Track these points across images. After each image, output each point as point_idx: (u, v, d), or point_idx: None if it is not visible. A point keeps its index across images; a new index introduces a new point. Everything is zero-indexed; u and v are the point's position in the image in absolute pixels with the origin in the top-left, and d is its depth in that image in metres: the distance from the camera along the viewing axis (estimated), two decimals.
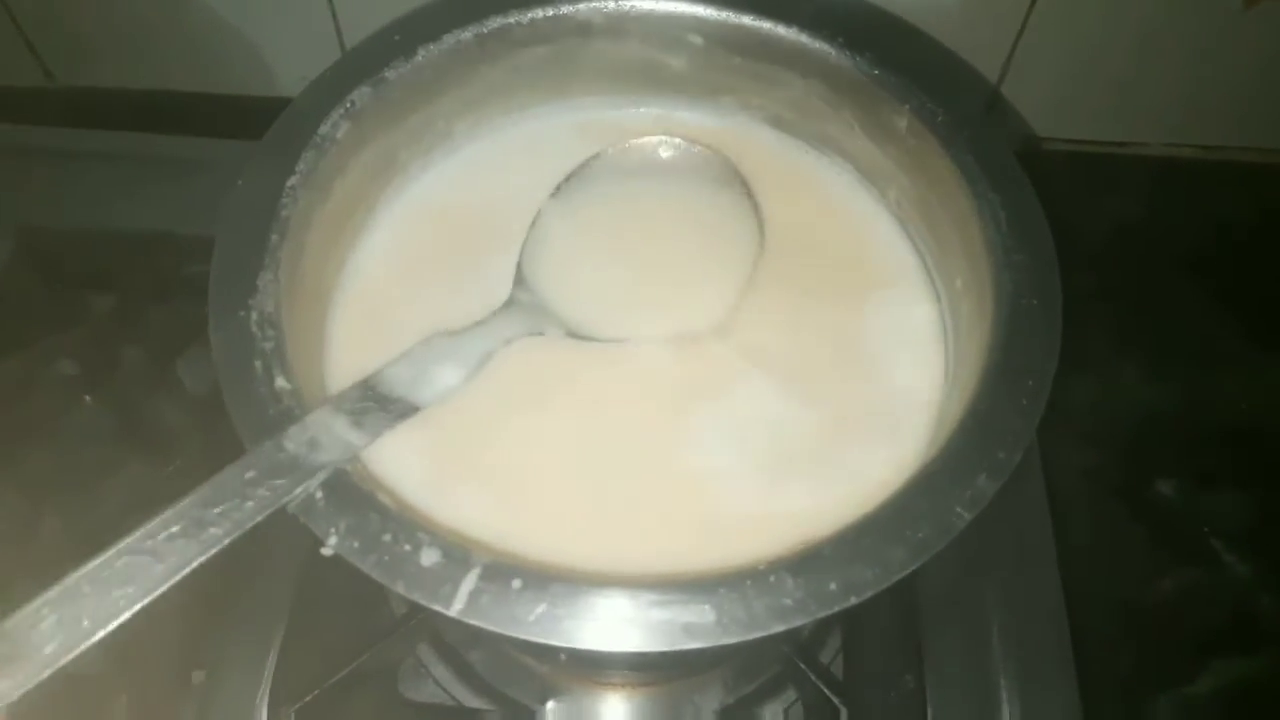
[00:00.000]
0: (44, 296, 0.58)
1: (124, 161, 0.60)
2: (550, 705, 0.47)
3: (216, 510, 0.31)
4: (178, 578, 0.30)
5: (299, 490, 0.31)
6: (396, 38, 0.41)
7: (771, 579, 0.30)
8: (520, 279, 0.42)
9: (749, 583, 0.30)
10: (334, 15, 0.60)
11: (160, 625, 0.47)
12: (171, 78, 0.67)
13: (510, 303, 0.41)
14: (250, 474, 0.31)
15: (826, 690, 0.43)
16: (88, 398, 0.54)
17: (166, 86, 0.67)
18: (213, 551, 0.30)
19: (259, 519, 0.31)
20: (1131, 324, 0.61)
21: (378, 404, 0.35)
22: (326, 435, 0.33)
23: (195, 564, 0.30)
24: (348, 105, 0.40)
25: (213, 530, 0.30)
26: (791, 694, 0.48)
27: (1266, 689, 0.51)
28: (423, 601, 0.29)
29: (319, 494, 0.31)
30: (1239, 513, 0.55)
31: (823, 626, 0.48)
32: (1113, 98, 0.63)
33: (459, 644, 0.48)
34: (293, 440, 0.32)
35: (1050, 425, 0.53)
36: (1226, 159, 0.66)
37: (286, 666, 0.45)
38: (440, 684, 0.47)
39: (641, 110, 0.48)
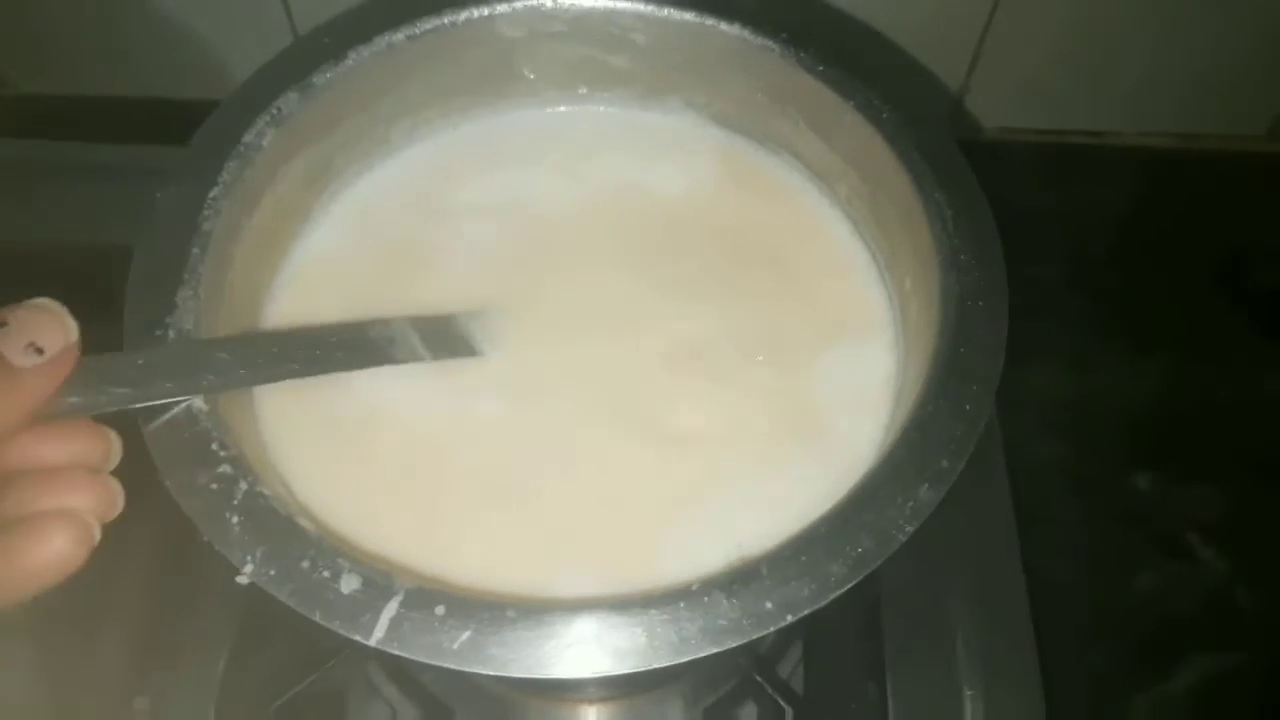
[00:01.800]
0: None
1: (74, 171, 0.59)
2: None
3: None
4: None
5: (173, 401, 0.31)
6: (326, 40, 0.40)
7: (705, 599, 0.29)
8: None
9: (681, 604, 0.29)
10: (289, 16, 0.59)
11: (101, 651, 0.46)
12: (132, 83, 0.66)
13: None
14: (140, 361, 0.30)
15: (783, 703, 0.42)
16: None
17: (127, 92, 0.66)
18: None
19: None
20: (1106, 315, 0.60)
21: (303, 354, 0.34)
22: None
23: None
24: (274, 112, 0.38)
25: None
26: (754, 706, 0.47)
27: (1243, 683, 0.51)
28: (341, 631, 0.28)
29: (235, 519, 0.30)
30: (1215, 506, 0.55)
31: (782, 637, 0.47)
32: (1085, 87, 0.62)
33: (411, 663, 0.47)
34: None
35: (1022, 418, 0.54)
36: (1201, 147, 0.65)
37: (232, 691, 0.44)
38: (391, 704, 0.46)
39: (585, 110, 0.46)
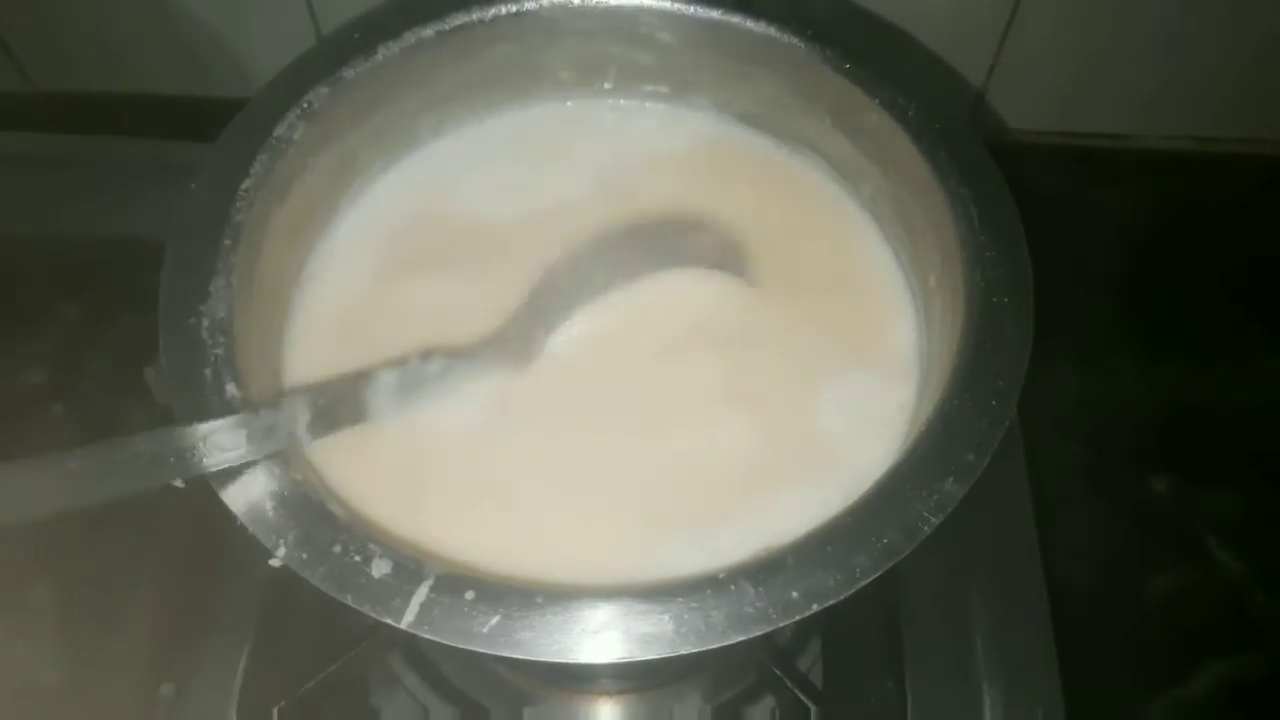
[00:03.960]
0: (13, 303, 0.57)
1: (96, 166, 0.59)
2: (526, 713, 0.47)
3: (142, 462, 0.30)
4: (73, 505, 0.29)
5: (230, 464, 0.31)
6: (356, 36, 0.41)
7: (732, 588, 0.29)
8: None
9: (708, 592, 0.29)
10: (312, 14, 0.59)
11: (127, 639, 0.47)
12: (151, 81, 0.66)
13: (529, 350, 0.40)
14: (191, 441, 0.31)
15: (803, 697, 0.42)
16: (56, 407, 0.53)
17: (146, 90, 0.67)
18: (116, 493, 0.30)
19: (172, 482, 0.31)
20: (1124, 317, 0.60)
21: (348, 405, 0.35)
22: (287, 425, 0.33)
23: (98, 499, 0.30)
24: (304, 106, 0.39)
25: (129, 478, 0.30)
26: (772, 700, 0.47)
27: (1261, 687, 0.50)
28: (372, 614, 0.29)
29: (269, 504, 0.30)
30: (1233, 509, 0.54)
31: (801, 632, 0.47)
32: (1105, 90, 0.62)
33: (432, 652, 0.47)
34: (254, 422, 0.32)
35: (1041, 420, 0.54)
36: (1221, 150, 0.65)
37: (256, 677, 0.44)
38: (412, 693, 0.46)
39: (611, 107, 0.47)
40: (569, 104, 0.47)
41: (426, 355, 0.38)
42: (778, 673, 0.43)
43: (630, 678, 0.46)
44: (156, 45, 0.63)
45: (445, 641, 0.28)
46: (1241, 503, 0.54)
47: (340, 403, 0.35)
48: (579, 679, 0.46)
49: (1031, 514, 0.49)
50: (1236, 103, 0.62)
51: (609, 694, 0.47)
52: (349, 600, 0.29)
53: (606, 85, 0.46)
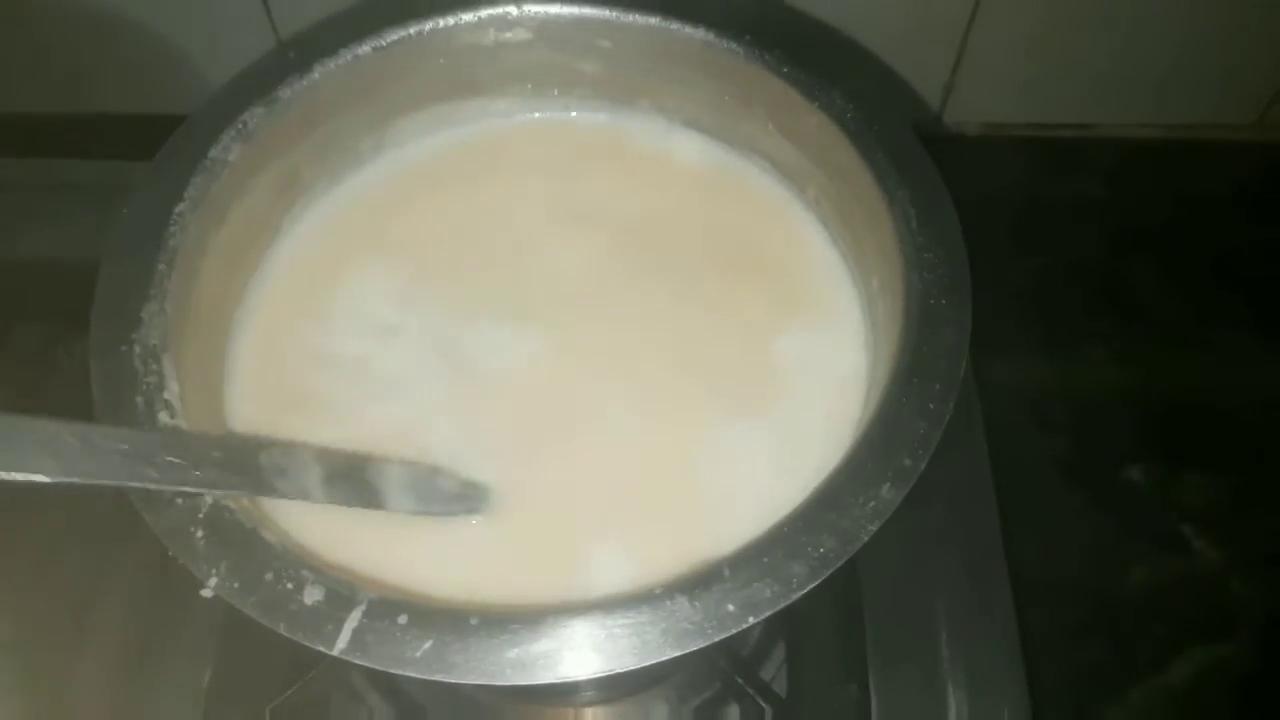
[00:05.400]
0: None
1: (51, 188, 0.59)
2: None
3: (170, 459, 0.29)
4: (80, 481, 0.28)
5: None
6: (291, 55, 0.40)
7: (668, 603, 0.29)
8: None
9: (644, 608, 0.29)
10: (274, 29, 0.59)
11: (85, 668, 0.46)
12: (109, 100, 0.66)
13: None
14: (215, 453, 0.31)
15: (766, 705, 0.42)
16: None
17: (104, 109, 0.66)
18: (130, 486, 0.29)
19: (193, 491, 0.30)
20: (1096, 306, 0.60)
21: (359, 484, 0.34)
22: (299, 475, 0.32)
23: (100, 484, 0.28)
24: (239, 126, 0.39)
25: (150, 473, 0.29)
26: (737, 709, 0.47)
27: (1239, 675, 0.50)
28: (304, 642, 0.28)
29: (199, 533, 0.30)
30: (1208, 497, 0.54)
31: (764, 639, 0.47)
32: (1072, 80, 0.62)
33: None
34: (269, 457, 0.32)
35: (1015, 411, 0.53)
36: (1191, 137, 0.65)
37: (217, 703, 0.44)
38: (375, 711, 0.46)
39: (554, 117, 0.46)
40: (512, 116, 0.47)
41: (436, 471, 0.36)
42: (740, 681, 0.43)
43: (594, 689, 0.46)
44: (115, 65, 0.63)
45: (378, 668, 0.28)
46: (1216, 491, 0.55)
47: (351, 476, 0.34)
48: (540, 695, 0.46)
49: (995, 511, 0.48)
50: (1206, 87, 0.62)
51: (576, 706, 0.47)
52: (281, 629, 0.29)
53: (550, 95, 0.46)
